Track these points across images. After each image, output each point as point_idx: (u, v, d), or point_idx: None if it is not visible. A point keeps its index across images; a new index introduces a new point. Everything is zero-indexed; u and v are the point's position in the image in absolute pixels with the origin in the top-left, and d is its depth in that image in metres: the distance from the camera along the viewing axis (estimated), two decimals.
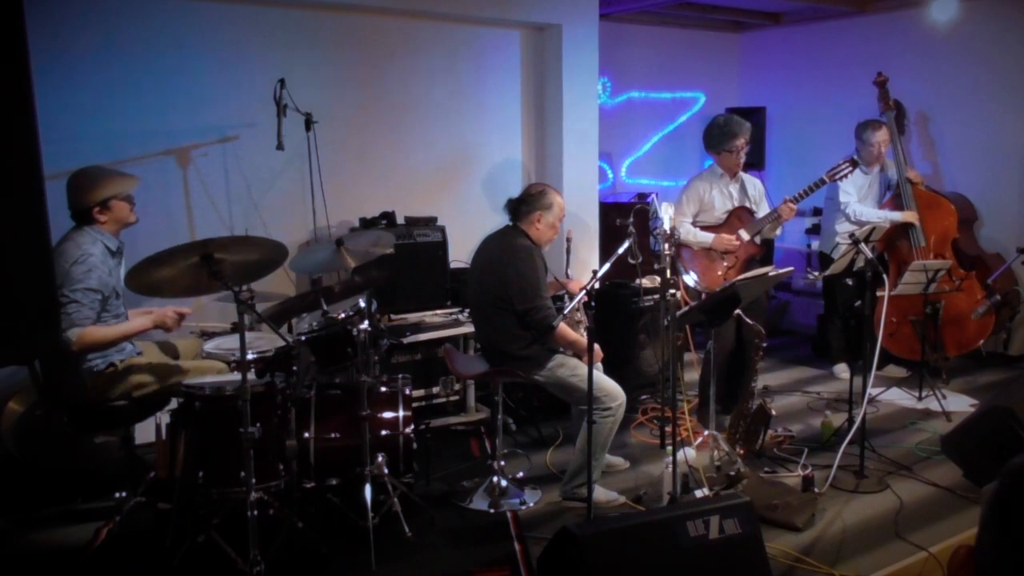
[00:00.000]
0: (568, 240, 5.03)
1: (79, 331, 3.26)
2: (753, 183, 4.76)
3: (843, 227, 5.39)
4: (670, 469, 3.45)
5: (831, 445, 4.30)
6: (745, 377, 4.26)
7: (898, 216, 5.36)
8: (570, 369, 3.72)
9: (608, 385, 3.69)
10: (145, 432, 3.75)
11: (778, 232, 4.90)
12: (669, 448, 3.46)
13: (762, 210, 4.72)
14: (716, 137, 4.61)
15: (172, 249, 2.79)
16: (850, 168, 4.69)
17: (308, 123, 4.46)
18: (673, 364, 3.71)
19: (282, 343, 3.28)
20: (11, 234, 1.66)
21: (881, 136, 5.39)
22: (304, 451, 3.44)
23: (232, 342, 3.67)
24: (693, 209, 4.67)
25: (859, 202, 5.40)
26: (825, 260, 5.53)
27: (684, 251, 4.66)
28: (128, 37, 4.36)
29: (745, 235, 4.61)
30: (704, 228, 4.65)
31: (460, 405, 4.94)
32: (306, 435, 3.46)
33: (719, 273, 4.57)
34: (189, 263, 2.83)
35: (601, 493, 3.77)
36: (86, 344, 3.30)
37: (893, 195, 5.58)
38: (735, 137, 4.55)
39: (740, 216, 4.65)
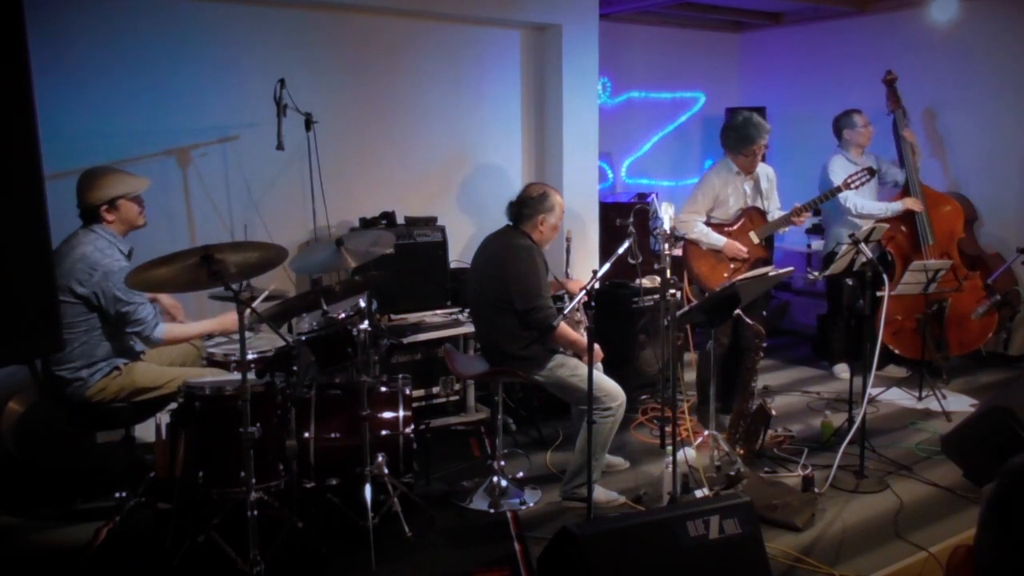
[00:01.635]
0: (568, 240, 5.03)
1: (165, 329, 3.50)
2: (767, 174, 4.74)
3: (850, 226, 5.38)
4: (670, 469, 3.45)
5: (831, 445, 4.30)
6: (744, 377, 4.26)
7: (898, 206, 5.38)
8: (570, 369, 3.72)
9: (608, 385, 3.69)
10: (145, 432, 3.75)
11: (785, 229, 4.91)
12: (669, 448, 3.46)
13: (772, 202, 4.73)
14: (733, 140, 4.56)
15: (172, 254, 2.81)
16: (867, 176, 4.66)
17: (308, 123, 4.46)
18: (673, 364, 3.71)
19: (282, 343, 3.28)
20: (11, 234, 1.66)
21: (865, 119, 5.48)
22: (304, 451, 3.43)
23: (232, 342, 3.67)
24: (708, 205, 4.64)
25: (856, 194, 5.40)
26: (830, 260, 5.53)
27: (691, 248, 4.65)
28: (128, 37, 4.37)
29: (755, 238, 4.61)
30: (715, 226, 4.65)
31: (460, 405, 4.94)
32: (306, 435, 3.45)
33: (724, 275, 4.57)
34: (188, 263, 2.83)
35: (601, 493, 3.77)
36: (172, 339, 3.56)
37: (901, 191, 5.59)
38: (753, 142, 4.51)
39: (752, 216, 4.65)
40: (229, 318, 3.63)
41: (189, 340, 3.70)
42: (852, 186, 4.71)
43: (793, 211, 4.57)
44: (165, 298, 3.83)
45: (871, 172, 4.73)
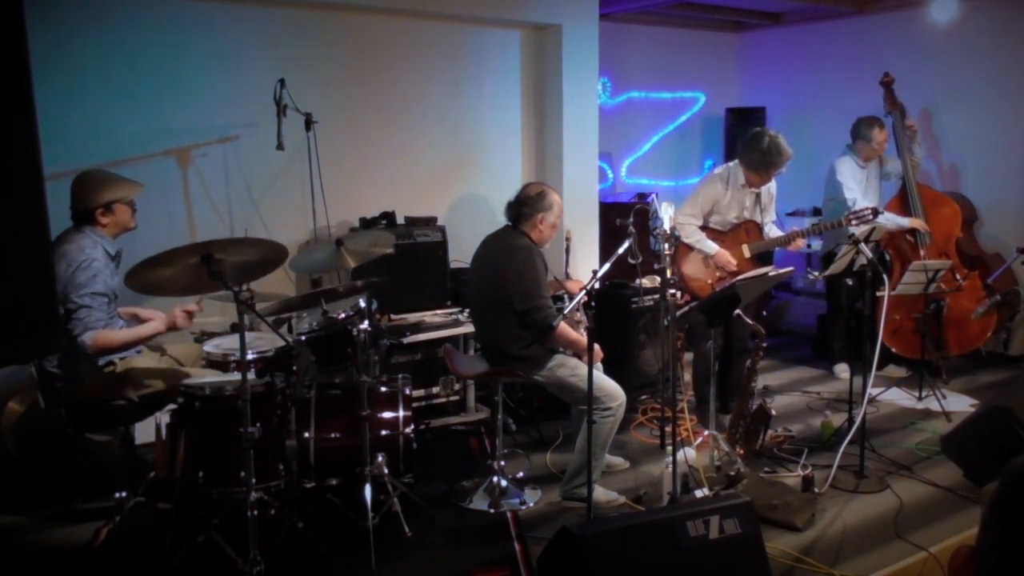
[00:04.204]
0: (568, 240, 5.02)
1: (94, 335, 3.33)
2: (768, 188, 4.72)
3: (849, 227, 5.37)
4: (670, 469, 3.45)
5: (831, 445, 4.30)
6: (745, 377, 4.27)
7: (905, 222, 5.38)
8: (570, 369, 3.72)
9: (608, 385, 3.69)
10: (145, 432, 3.75)
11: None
12: (669, 448, 3.46)
13: (768, 214, 4.73)
14: (753, 161, 4.51)
15: (171, 251, 2.79)
16: (871, 216, 4.64)
17: (308, 123, 4.46)
18: (673, 364, 3.71)
19: (282, 343, 3.28)
20: (11, 234, 1.66)
21: (884, 135, 5.44)
22: (304, 451, 3.43)
23: (232, 342, 3.67)
24: (707, 209, 4.63)
25: (864, 198, 5.40)
26: (829, 260, 5.53)
27: (681, 248, 4.64)
28: (128, 37, 4.37)
29: (747, 252, 4.61)
30: (711, 231, 4.64)
31: (460, 405, 4.94)
32: (306, 435, 3.45)
33: (709, 282, 4.57)
34: (189, 263, 2.83)
35: (601, 493, 3.77)
36: (101, 347, 3.37)
37: (898, 196, 5.59)
38: (772, 167, 4.49)
39: (748, 230, 4.64)
40: (171, 315, 3.50)
41: (124, 347, 3.48)
42: (854, 222, 4.67)
43: (791, 234, 4.57)
44: (144, 312, 3.78)
45: (875, 212, 4.67)
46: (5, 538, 3.51)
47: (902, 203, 5.56)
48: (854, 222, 4.64)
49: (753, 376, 4.23)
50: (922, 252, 5.40)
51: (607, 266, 3.42)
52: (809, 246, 6.79)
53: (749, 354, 4.34)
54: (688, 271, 4.64)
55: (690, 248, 4.63)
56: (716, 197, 4.62)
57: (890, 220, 5.33)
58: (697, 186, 4.77)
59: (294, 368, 3.39)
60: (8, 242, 1.66)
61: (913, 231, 5.45)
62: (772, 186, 4.76)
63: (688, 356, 5.06)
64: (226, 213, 4.75)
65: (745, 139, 4.61)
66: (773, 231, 4.72)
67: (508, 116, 5.76)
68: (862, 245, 3.98)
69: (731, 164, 4.70)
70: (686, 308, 3.88)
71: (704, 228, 4.66)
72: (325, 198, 4.58)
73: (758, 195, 4.67)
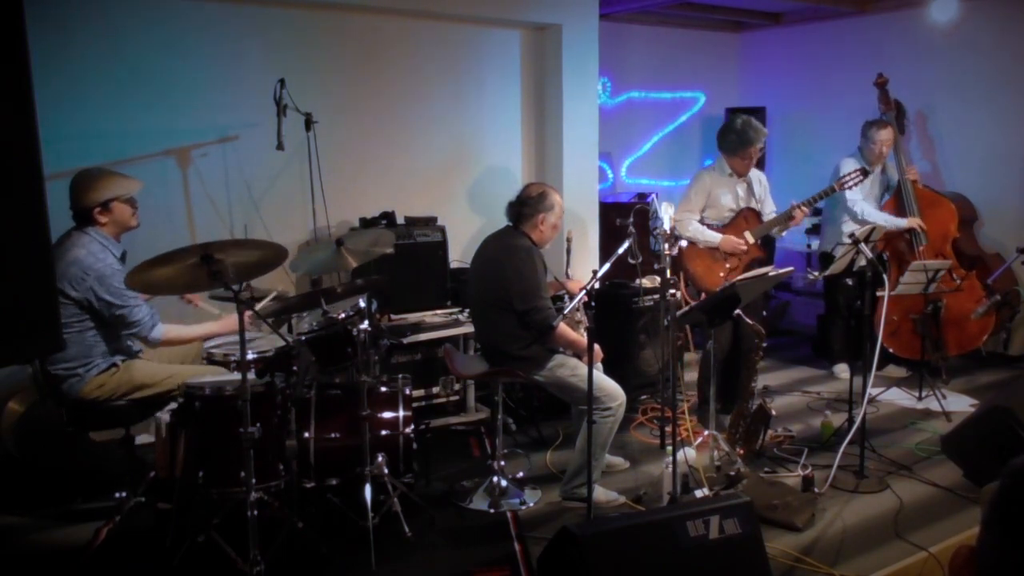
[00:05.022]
0: (568, 240, 5.02)
1: (163, 329, 3.50)
2: (759, 179, 4.75)
3: (848, 227, 5.37)
4: (670, 469, 3.45)
5: (831, 445, 4.30)
6: (744, 377, 4.26)
7: (903, 223, 5.38)
8: (570, 369, 3.72)
9: (608, 385, 3.69)
10: (145, 432, 3.75)
11: (782, 233, 4.91)
12: (669, 448, 3.46)
13: (767, 206, 4.73)
14: (731, 143, 4.57)
15: (170, 252, 2.79)
16: (860, 178, 4.65)
17: (308, 123, 4.45)
18: (673, 364, 3.71)
19: (282, 343, 3.28)
20: (11, 234, 1.66)
21: (884, 135, 5.41)
22: (304, 451, 3.43)
23: (232, 342, 3.67)
24: (701, 204, 4.65)
25: (864, 200, 5.41)
26: (827, 260, 5.53)
27: (687, 248, 4.65)
28: (128, 37, 4.37)
29: (751, 237, 4.61)
30: (709, 226, 4.65)
31: (460, 405, 4.94)
32: (306, 435, 3.45)
33: (721, 275, 4.56)
34: (189, 263, 2.83)
35: (601, 493, 3.77)
36: (170, 340, 3.54)
37: (893, 197, 5.59)
38: (750, 144, 4.53)
39: (747, 218, 4.65)
40: (233, 320, 3.60)
41: (190, 341, 3.68)
42: (846, 186, 4.70)
43: (790, 210, 4.57)
44: None
45: (864, 173, 4.72)
46: (5, 538, 3.51)
47: (897, 204, 5.56)
48: (847, 185, 4.66)
49: (753, 376, 4.23)
50: (918, 252, 5.40)
51: (607, 266, 3.42)
52: (809, 246, 6.80)
53: None
54: (697, 270, 4.64)
55: (694, 246, 4.63)
56: (707, 187, 4.64)
57: (888, 222, 5.33)
58: (687, 186, 4.79)
59: (294, 368, 3.39)
60: (8, 242, 1.66)
61: (910, 231, 5.45)
62: (762, 177, 4.79)
63: (689, 356, 5.06)
64: (226, 213, 4.75)
65: (719, 130, 4.69)
66: None
67: (508, 116, 5.76)
68: (862, 245, 3.98)
69: (716, 157, 4.76)
70: (686, 308, 3.88)
71: (702, 224, 4.66)
72: (325, 198, 4.58)
73: (749, 185, 4.68)
